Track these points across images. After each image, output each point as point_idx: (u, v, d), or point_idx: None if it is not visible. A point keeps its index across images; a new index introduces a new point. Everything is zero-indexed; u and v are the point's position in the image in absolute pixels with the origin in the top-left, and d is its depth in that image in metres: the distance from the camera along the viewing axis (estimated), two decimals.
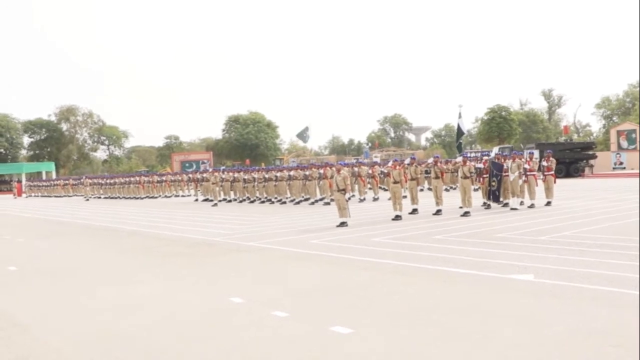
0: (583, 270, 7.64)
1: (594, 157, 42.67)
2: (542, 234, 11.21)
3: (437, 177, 16.87)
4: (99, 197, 41.40)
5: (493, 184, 17.25)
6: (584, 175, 40.54)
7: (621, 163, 49.76)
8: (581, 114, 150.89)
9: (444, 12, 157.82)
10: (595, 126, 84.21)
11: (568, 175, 39.11)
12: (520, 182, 17.03)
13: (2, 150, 79.69)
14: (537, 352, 4.61)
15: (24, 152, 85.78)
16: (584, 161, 41.67)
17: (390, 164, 17.62)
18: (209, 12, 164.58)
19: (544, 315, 5.66)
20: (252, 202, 26.43)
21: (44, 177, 67.80)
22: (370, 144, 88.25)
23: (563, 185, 26.99)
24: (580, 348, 4.67)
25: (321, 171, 23.49)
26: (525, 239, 10.74)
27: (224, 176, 28.50)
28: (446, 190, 25.03)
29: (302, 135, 53.18)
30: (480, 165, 17.91)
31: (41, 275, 9.47)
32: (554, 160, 18.22)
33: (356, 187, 24.27)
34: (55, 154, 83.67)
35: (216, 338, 5.47)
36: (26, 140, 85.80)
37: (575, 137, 75.44)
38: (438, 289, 7.03)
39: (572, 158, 40.84)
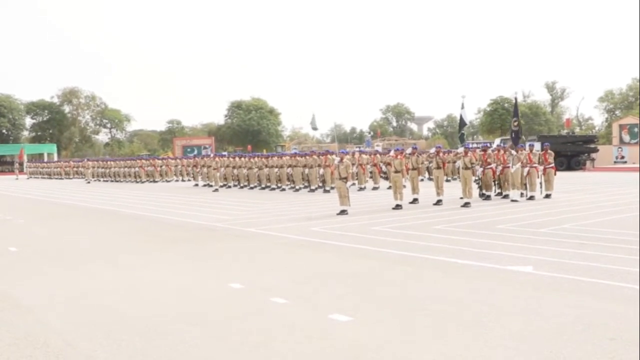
0: (582, 263, 7.66)
1: (595, 150, 42.56)
2: (542, 226, 11.23)
3: (438, 167, 16.89)
4: (99, 180, 41.44)
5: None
6: (585, 168, 40.47)
7: (623, 157, 49.70)
8: (584, 107, 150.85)
9: (449, 2, 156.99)
10: (598, 120, 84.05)
11: (569, 168, 39.04)
12: (525, 171, 16.96)
13: (4, 131, 79.62)
14: (535, 343, 4.63)
15: (26, 133, 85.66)
16: (586, 154, 41.56)
17: (392, 153, 17.62)
18: None
19: (542, 307, 5.68)
20: (252, 188, 26.45)
21: (45, 158, 67.82)
22: (372, 133, 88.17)
23: (564, 178, 26.96)
24: (578, 340, 4.69)
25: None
26: (525, 230, 10.75)
27: (226, 162, 28.48)
28: (447, 180, 25.02)
29: (314, 123, 53.27)
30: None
31: (42, 257, 9.50)
32: (552, 153, 18.22)
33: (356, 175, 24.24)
34: (57, 136, 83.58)
35: (215, 323, 5.50)
36: (28, 121, 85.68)
37: (577, 130, 75.26)
38: (437, 279, 7.05)
39: (573, 151, 40.74)
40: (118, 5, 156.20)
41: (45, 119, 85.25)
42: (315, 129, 55.83)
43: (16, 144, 75.63)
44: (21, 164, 58.20)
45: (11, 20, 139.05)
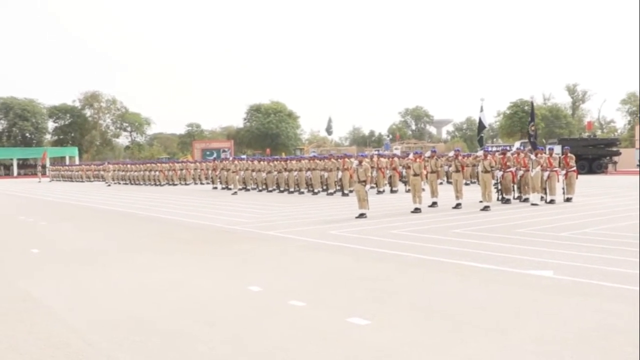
0: (604, 267, 7.56)
1: (617, 153, 42.00)
2: (563, 230, 11.11)
3: (457, 171, 16.82)
4: (120, 183, 41.86)
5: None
6: (607, 172, 39.98)
7: None
8: (606, 110, 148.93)
9: (468, 4, 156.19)
10: (620, 122, 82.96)
11: (591, 171, 38.61)
12: (546, 175, 16.81)
13: (27, 134, 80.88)
14: (554, 348, 4.59)
15: (48, 136, 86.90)
16: (608, 158, 41.06)
17: (410, 156, 17.58)
18: (232, 1, 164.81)
19: (563, 311, 5.62)
20: (270, 191, 26.53)
21: (67, 162, 68.70)
22: (391, 136, 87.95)
23: (585, 182, 26.67)
24: (600, 346, 4.63)
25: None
26: (545, 234, 10.65)
27: (245, 165, 28.62)
28: (466, 184, 24.88)
29: (329, 128, 53.26)
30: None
31: (63, 258, 9.62)
32: (573, 156, 18.04)
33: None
34: (79, 139, 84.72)
35: (233, 325, 5.52)
36: (51, 125, 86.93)
37: (599, 133, 74.35)
38: (456, 283, 7.01)
39: (595, 154, 40.28)
40: (139, 10, 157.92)
41: (67, 122, 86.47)
42: (330, 132, 55.72)
43: (39, 147, 76.79)
44: (44, 166, 58.93)
45: (33, 26, 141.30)
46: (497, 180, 17.47)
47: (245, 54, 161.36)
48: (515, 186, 17.83)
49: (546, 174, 16.85)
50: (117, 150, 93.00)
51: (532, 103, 20.80)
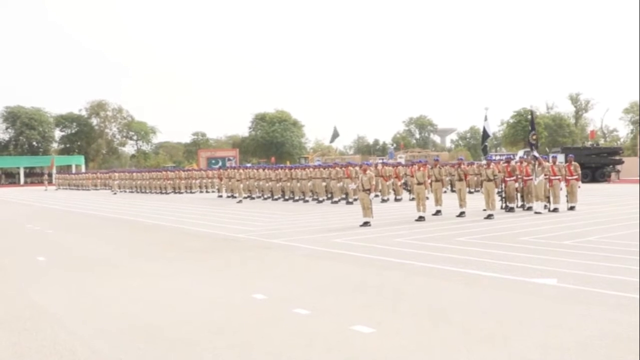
0: (607, 276, 7.58)
1: (620, 162, 41.94)
2: (566, 239, 11.12)
3: (460, 179, 16.85)
4: (126, 191, 42.00)
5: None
6: (610, 180, 39.93)
7: None
8: (609, 119, 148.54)
9: (472, 14, 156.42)
10: (623, 131, 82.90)
11: (594, 180, 38.56)
12: (541, 178, 16.77)
13: (34, 143, 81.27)
14: (558, 356, 4.61)
15: (55, 145, 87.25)
16: (611, 166, 41.02)
17: (415, 165, 17.63)
18: (237, 11, 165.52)
19: (566, 319, 5.64)
20: (275, 199, 26.58)
21: (73, 170, 68.95)
22: (395, 145, 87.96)
23: (588, 190, 26.63)
24: (603, 354, 4.65)
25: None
26: (549, 243, 10.66)
27: (250, 174, 28.70)
28: (470, 192, 24.89)
29: (335, 137, 53.33)
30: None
31: (69, 267, 9.68)
32: (577, 165, 18.07)
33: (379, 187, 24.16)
34: (85, 147, 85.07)
35: (239, 333, 5.56)
36: (57, 133, 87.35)
37: (602, 142, 74.19)
38: (460, 291, 7.04)
39: (598, 163, 40.25)
40: (145, 19, 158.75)
41: (73, 131, 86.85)
42: (333, 140, 55.77)
43: (46, 155, 77.16)
44: (50, 175, 59.17)
45: (43, 35, 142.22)
46: (501, 188, 17.50)
47: (251, 63, 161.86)
48: (519, 194, 17.85)
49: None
50: (123, 158, 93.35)
51: (532, 112, 20.91)
